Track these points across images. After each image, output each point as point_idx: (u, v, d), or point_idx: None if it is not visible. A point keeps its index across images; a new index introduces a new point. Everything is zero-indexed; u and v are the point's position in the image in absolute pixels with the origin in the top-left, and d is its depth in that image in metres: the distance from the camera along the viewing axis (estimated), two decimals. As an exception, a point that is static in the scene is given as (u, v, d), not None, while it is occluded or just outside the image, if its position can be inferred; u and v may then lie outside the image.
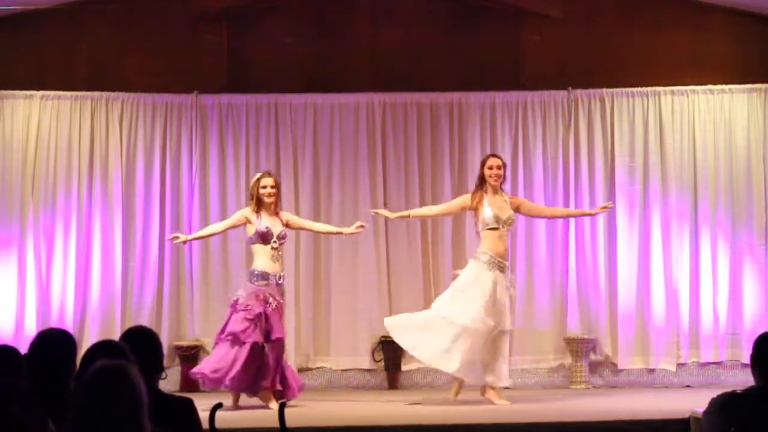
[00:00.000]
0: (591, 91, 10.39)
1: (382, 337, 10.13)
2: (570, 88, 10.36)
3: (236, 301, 8.48)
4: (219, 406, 5.11)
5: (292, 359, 10.17)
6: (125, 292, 10.13)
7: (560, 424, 7.48)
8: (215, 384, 8.38)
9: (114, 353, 3.39)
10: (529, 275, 10.24)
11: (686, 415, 6.96)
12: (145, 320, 9.76)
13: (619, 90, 10.37)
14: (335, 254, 10.30)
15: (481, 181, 8.70)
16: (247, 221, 8.59)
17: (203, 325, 10.20)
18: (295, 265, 10.24)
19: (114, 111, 10.27)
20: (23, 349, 4.10)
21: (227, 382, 8.27)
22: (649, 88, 10.34)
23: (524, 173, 10.33)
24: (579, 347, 10.02)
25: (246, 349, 8.28)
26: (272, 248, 8.50)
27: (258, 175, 8.72)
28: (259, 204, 8.57)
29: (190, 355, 10.06)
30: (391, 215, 9.05)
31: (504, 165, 8.77)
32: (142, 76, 10.41)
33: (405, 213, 9.18)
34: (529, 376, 10.21)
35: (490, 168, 8.66)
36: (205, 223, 10.22)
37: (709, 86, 10.33)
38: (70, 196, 10.15)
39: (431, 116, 10.43)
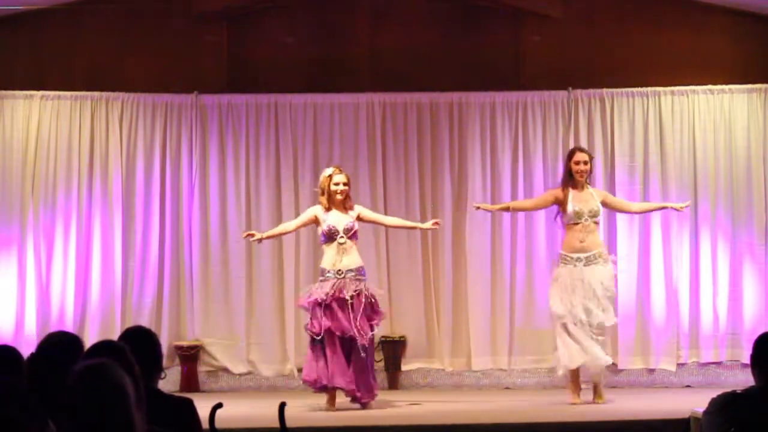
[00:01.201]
0: (591, 91, 10.39)
1: (382, 337, 10.13)
2: (570, 88, 10.36)
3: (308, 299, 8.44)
4: (219, 406, 5.11)
5: (292, 359, 10.18)
6: (125, 292, 10.12)
7: (560, 424, 7.49)
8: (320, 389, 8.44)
9: (113, 353, 3.39)
10: (529, 275, 10.24)
11: (686, 415, 6.96)
12: (145, 320, 9.76)
13: (619, 90, 10.37)
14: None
15: (569, 174, 8.71)
16: (317, 220, 8.55)
17: (203, 325, 10.20)
18: (295, 266, 10.24)
19: (114, 111, 10.27)
20: (23, 349, 4.10)
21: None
22: (649, 88, 10.34)
23: (524, 173, 10.33)
24: (579, 347, 10.01)
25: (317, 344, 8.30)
26: (338, 244, 8.44)
27: (329, 170, 8.65)
28: (330, 200, 8.53)
29: (190, 355, 10.06)
30: (493, 208, 9.18)
31: (591, 159, 8.78)
32: (142, 76, 10.41)
33: (505, 205, 9.34)
34: (529, 376, 10.20)
35: (577, 163, 8.68)
36: (205, 223, 10.25)
37: (709, 86, 10.33)
38: (70, 196, 10.15)
39: (431, 116, 10.43)
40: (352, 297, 8.32)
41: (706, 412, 4.12)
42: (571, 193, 8.62)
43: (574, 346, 8.45)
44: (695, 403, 6.73)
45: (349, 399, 8.37)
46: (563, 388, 9.84)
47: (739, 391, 4.13)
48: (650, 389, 9.91)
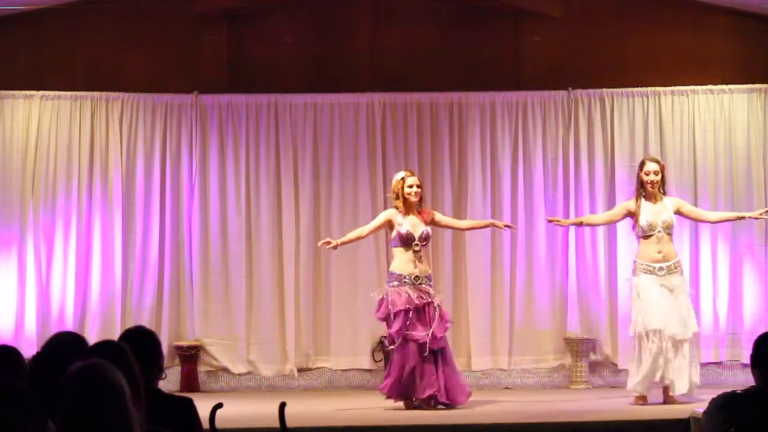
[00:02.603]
0: (591, 91, 10.39)
1: (382, 337, 10.13)
2: (570, 88, 10.36)
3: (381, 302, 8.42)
4: (219, 406, 5.12)
5: (292, 359, 10.18)
6: (125, 292, 10.12)
7: (560, 424, 7.49)
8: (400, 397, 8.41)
9: (113, 353, 3.39)
10: (529, 275, 10.24)
11: (686, 415, 6.95)
12: (145, 320, 9.75)
13: (619, 90, 10.36)
14: (335, 254, 10.27)
15: (641, 185, 8.63)
16: (391, 224, 8.52)
17: (203, 325, 10.20)
18: (295, 265, 10.24)
19: (114, 111, 10.27)
20: (23, 349, 4.10)
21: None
22: (649, 88, 10.34)
23: (524, 173, 10.33)
24: (579, 347, 10.01)
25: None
26: (413, 251, 8.42)
27: (402, 174, 8.64)
28: (405, 204, 8.51)
29: (190, 355, 10.06)
30: (566, 222, 9.20)
31: (662, 168, 8.65)
32: (142, 76, 10.41)
33: (578, 220, 9.34)
34: (529, 376, 10.20)
35: (647, 174, 8.59)
36: (205, 223, 10.24)
37: (709, 86, 10.33)
38: (70, 196, 10.15)
39: (431, 116, 10.43)
40: (429, 304, 8.33)
41: (706, 412, 4.11)
42: (644, 204, 8.56)
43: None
44: (695, 403, 6.73)
45: (435, 405, 8.32)
46: (564, 388, 9.86)
47: (739, 391, 4.12)
48: (650, 389, 9.89)
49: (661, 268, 8.46)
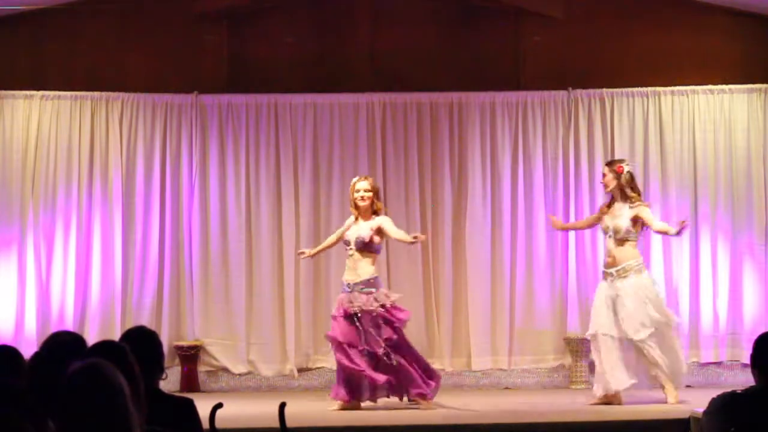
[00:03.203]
0: (591, 91, 10.39)
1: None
2: (570, 88, 10.36)
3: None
4: (219, 406, 5.12)
5: (292, 359, 10.18)
6: (125, 292, 10.12)
7: (560, 424, 7.49)
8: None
9: (114, 354, 3.39)
10: (529, 275, 10.24)
11: (686, 415, 6.95)
12: (145, 320, 9.75)
13: (619, 90, 10.37)
14: (335, 254, 10.28)
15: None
16: (347, 229, 8.51)
17: (203, 325, 10.20)
18: (295, 265, 10.24)
19: (114, 111, 10.27)
20: (23, 349, 4.09)
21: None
22: (649, 88, 10.34)
23: (524, 173, 10.33)
24: (579, 347, 10.00)
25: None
26: (348, 256, 8.41)
27: (355, 178, 8.64)
28: (356, 209, 8.48)
29: (190, 356, 10.06)
30: (559, 226, 9.31)
31: (617, 171, 8.63)
32: (142, 76, 10.41)
33: (568, 225, 9.61)
34: (529, 376, 10.20)
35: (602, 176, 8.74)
36: (205, 223, 10.25)
37: (709, 86, 10.33)
38: (70, 196, 10.15)
39: (431, 116, 10.43)
40: (359, 312, 8.24)
41: (706, 412, 4.12)
42: (614, 207, 8.62)
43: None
44: (695, 403, 6.74)
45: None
46: (564, 388, 9.87)
47: (739, 391, 4.13)
48: (650, 389, 9.89)
49: (610, 273, 8.49)
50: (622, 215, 8.53)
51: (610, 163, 8.88)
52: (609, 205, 8.67)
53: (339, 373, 8.33)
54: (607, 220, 8.58)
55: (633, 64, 10.45)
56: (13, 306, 9.96)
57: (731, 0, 10.26)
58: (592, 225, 9.17)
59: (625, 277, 8.47)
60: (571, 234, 10.19)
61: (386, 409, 8.36)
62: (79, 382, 2.81)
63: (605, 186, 8.68)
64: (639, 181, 10.23)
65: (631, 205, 8.55)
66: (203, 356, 10.20)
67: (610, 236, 8.55)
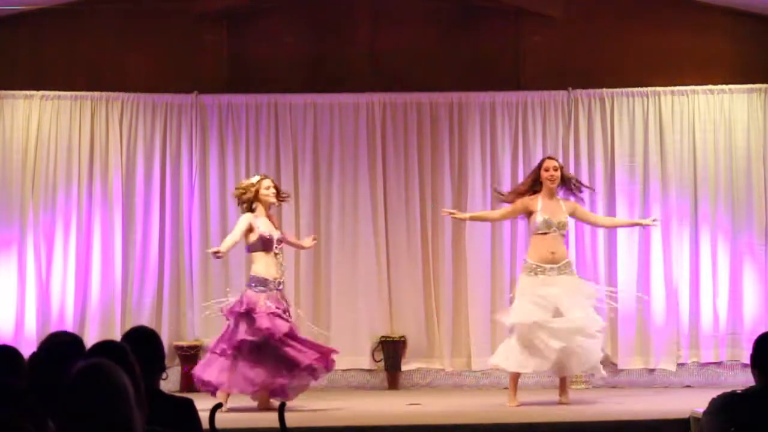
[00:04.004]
0: (591, 91, 10.39)
1: (382, 337, 10.15)
2: (570, 88, 10.36)
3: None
4: (219, 406, 5.12)
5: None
6: (125, 292, 10.12)
7: (560, 424, 7.48)
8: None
9: (114, 353, 3.39)
10: (529, 275, 10.23)
11: (686, 415, 6.96)
12: (145, 320, 9.75)
13: (619, 90, 10.37)
14: (335, 254, 10.30)
15: (538, 182, 8.64)
16: (251, 228, 8.40)
17: (203, 325, 10.19)
18: (295, 265, 10.23)
19: (114, 111, 10.27)
20: (23, 349, 4.09)
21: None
22: (649, 88, 10.34)
23: (524, 173, 10.30)
24: (579, 347, 10.00)
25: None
26: (274, 254, 8.39)
27: (258, 177, 8.62)
28: (261, 206, 8.45)
29: (190, 355, 10.05)
30: (461, 216, 9.04)
31: (561, 168, 8.67)
32: (142, 76, 10.41)
33: (472, 215, 9.23)
34: (529, 376, 10.15)
35: (546, 170, 8.59)
36: (205, 223, 10.24)
37: (709, 86, 10.33)
38: (70, 196, 10.15)
39: (431, 116, 10.43)
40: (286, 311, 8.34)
41: (706, 412, 4.12)
42: (541, 202, 8.57)
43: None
44: (695, 403, 6.73)
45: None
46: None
47: (739, 391, 4.13)
48: (650, 389, 9.90)
49: (552, 269, 8.47)
50: (561, 211, 8.57)
51: (554, 158, 8.85)
52: (531, 198, 8.56)
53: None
54: (546, 215, 8.51)
55: (633, 64, 10.45)
56: (13, 306, 9.96)
57: (731, 0, 10.26)
58: (505, 217, 9.09)
59: (565, 273, 8.52)
60: (571, 234, 10.17)
61: (386, 409, 8.36)
62: (84, 381, 2.80)
63: (552, 181, 8.58)
64: (638, 181, 10.28)
65: (565, 201, 8.65)
66: (203, 356, 10.18)
67: (554, 231, 8.54)
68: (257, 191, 8.44)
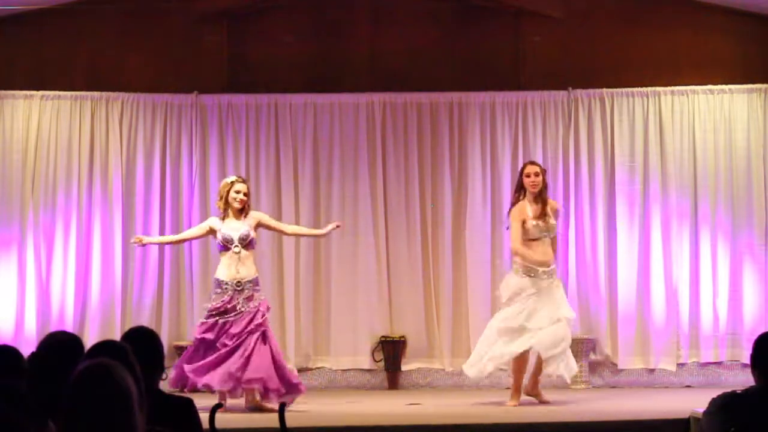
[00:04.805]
0: (591, 91, 10.39)
1: (382, 337, 10.15)
2: (570, 88, 10.37)
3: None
4: (219, 406, 5.13)
5: (291, 359, 10.18)
6: (125, 292, 10.13)
7: (560, 424, 7.49)
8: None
9: (114, 353, 3.39)
10: (529, 275, 10.23)
11: (686, 415, 6.95)
12: (145, 320, 9.75)
13: (619, 90, 10.37)
14: (335, 254, 10.30)
15: (520, 189, 8.68)
16: (213, 231, 8.40)
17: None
18: (295, 266, 10.24)
19: (114, 111, 10.27)
20: (23, 349, 4.10)
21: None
22: (649, 88, 10.34)
23: (524, 173, 10.32)
24: (579, 347, 10.00)
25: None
26: (234, 253, 8.31)
27: (232, 178, 8.55)
28: (227, 208, 8.41)
29: (190, 355, 10.05)
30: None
31: (540, 172, 8.63)
32: (142, 76, 10.41)
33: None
34: (528, 377, 10.18)
35: (528, 176, 8.59)
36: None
37: (709, 86, 10.33)
38: (70, 196, 10.15)
39: (431, 116, 10.43)
40: (243, 309, 8.24)
41: (706, 412, 4.12)
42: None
43: None
44: (695, 403, 6.72)
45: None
46: (564, 388, 9.85)
47: (739, 391, 4.13)
48: (650, 389, 9.91)
49: (543, 272, 8.48)
50: (548, 214, 8.58)
51: (535, 163, 8.85)
52: (516, 202, 8.59)
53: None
54: (536, 222, 8.49)
55: (633, 64, 10.45)
56: (13, 306, 9.96)
57: (731, 0, 10.26)
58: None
59: (552, 278, 8.57)
60: (571, 234, 10.20)
61: (386, 409, 8.36)
62: (88, 381, 2.80)
63: (534, 186, 8.56)
64: (638, 181, 10.28)
65: (551, 200, 8.72)
66: (203, 356, 10.18)
67: (544, 236, 8.54)
68: (228, 192, 8.43)
